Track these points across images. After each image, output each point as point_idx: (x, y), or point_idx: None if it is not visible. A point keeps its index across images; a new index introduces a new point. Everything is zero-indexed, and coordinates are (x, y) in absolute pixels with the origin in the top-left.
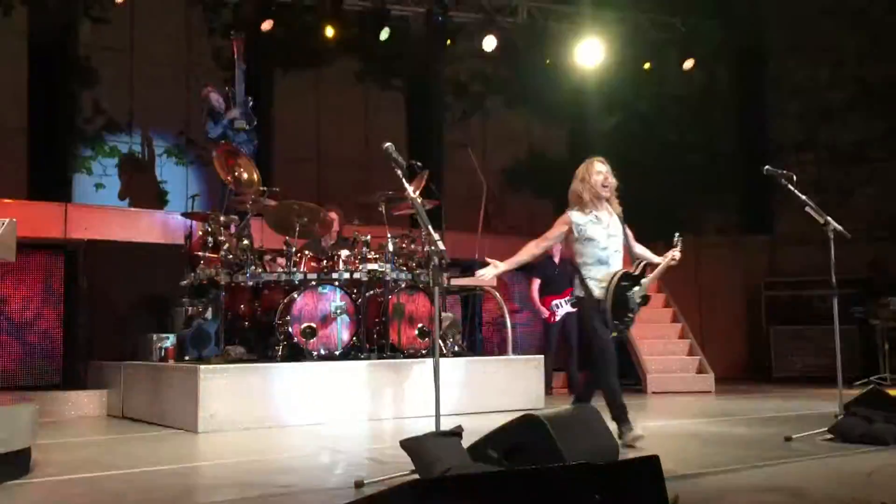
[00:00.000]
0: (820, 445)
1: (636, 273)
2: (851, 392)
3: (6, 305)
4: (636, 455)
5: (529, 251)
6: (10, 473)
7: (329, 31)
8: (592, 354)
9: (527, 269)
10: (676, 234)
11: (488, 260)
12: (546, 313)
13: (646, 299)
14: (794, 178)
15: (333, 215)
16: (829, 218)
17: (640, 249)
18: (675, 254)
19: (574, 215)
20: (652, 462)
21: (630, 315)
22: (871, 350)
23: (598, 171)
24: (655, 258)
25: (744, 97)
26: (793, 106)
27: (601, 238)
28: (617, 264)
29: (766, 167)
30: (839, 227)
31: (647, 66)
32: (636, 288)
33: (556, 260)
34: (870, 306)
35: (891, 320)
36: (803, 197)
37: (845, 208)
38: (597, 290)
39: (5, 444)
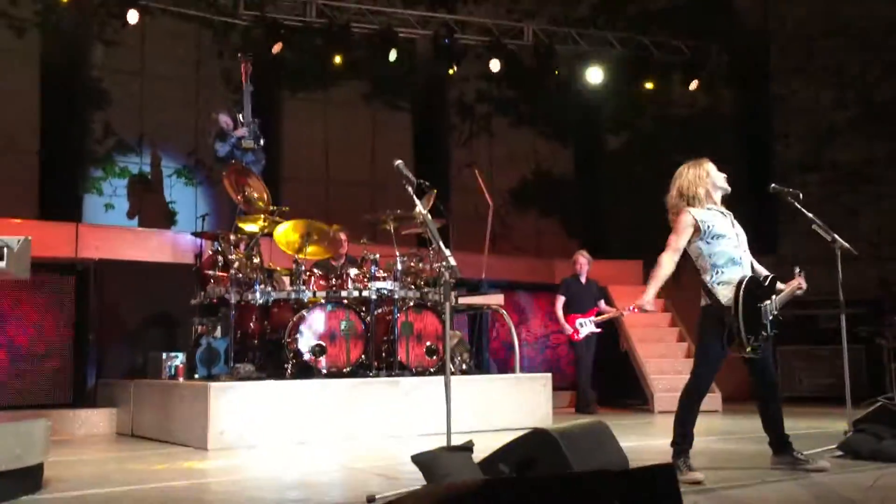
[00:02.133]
0: (830, 462)
1: (766, 284)
2: (860, 411)
3: (18, 324)
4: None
5: (667, 266)
6: (23, 489)
7: (336, 54)
8: (692, 373)
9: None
10: (797, 269)
11: (633, 306)
12: (570, 330)
13: (778, 323)
14: (801, 195)
15: (342, 236)
16: (836, 235)
17: (756, 265)
18: (801, 283)
19: (695, 211)
20: (668, 470)
21: (764, 332)
22: (877, 370)
23: (717, 169)
24: (778, 283)
25: (748, 118)
26: (797, 127)
27: (730, 233)
28: (748, 268)
29: (773, 185)
30: (846, 245)
31: (650, 85)
32: (767, 302)
33: (583, 279)
34: (876, 326)
35: None
36: (810, 215)
37: (851, 229)
38: (726, 296)
39: (19, 460)
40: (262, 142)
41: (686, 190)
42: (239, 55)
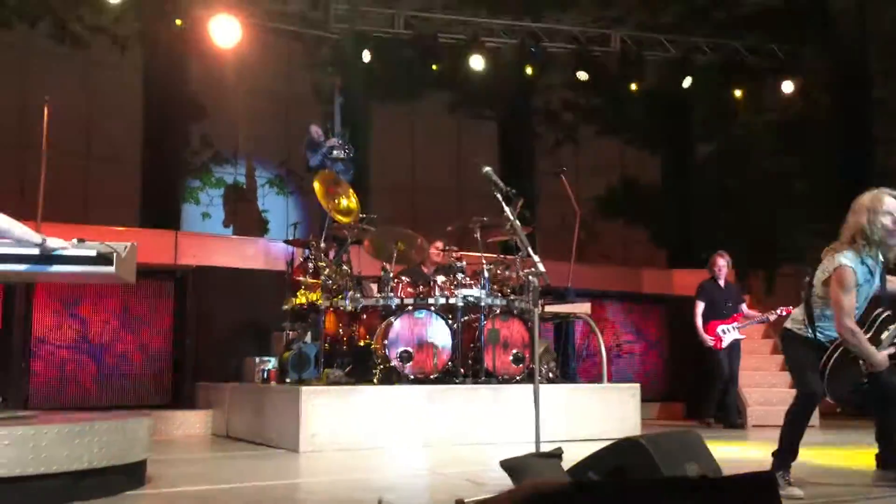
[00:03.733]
0: None
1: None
2: None
3: (121, 327)
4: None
5: (860, 332)
6: (127, 485)
7: (425, 64)
8: (797, 385)
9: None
10: None
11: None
12: (712, 341)
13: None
14: None
15: (439, 244)
16: None
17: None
18: None
19: (855, 263)
20: (768, 478)
21: (850, 393)
22: None
23: (888, 211)
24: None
25: (846, 122)
26: None
27: (861, 298)
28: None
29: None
30: None
31: (741, 91)
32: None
33: (722, 282)
34: None
35: None
36: None
37: None
38: (826, 338)
39: (123, 456)
40: (352, 152)
41: (852, 230)
42: (329, 68)
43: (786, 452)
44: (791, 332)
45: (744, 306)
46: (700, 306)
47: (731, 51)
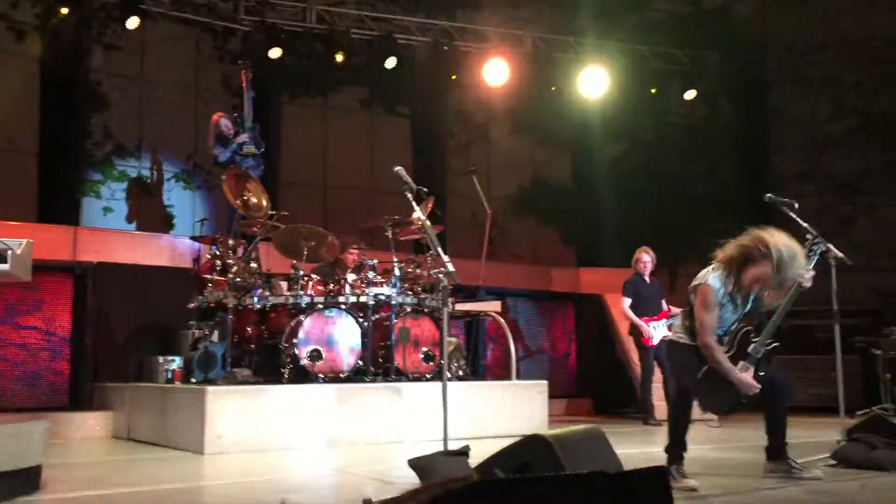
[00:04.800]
0: (822, 470)
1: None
2: (853, 421)
3: (14, 326)
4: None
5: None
6: (21, 490)
7: (336, 59)
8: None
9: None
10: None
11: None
12: (649, 334)
13: (776, 339)
14: (796, 205)
15: (354, 248)
16: (830, 245)
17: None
18: (804, 279)
19: (720, 285)
20: (660, 473)
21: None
22: (872, 380)
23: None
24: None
25: (746, 127)
26: (794, 137)
27: (727, 315)
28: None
29: (768, 195)
30: (840, 255)
31: (648, 94)
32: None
33: (647, 278)
34: (872, 336)
35: (892, 350)
36: (805, 224)
37: (846, 239)
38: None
39: (18, 461)
40: (263, 148)
41: (737, 258)
42: (239, 62)
43: (675, 446)
44: (674, 341)
45: (664, 302)
46: (627, 302)
47: (638, 55)
